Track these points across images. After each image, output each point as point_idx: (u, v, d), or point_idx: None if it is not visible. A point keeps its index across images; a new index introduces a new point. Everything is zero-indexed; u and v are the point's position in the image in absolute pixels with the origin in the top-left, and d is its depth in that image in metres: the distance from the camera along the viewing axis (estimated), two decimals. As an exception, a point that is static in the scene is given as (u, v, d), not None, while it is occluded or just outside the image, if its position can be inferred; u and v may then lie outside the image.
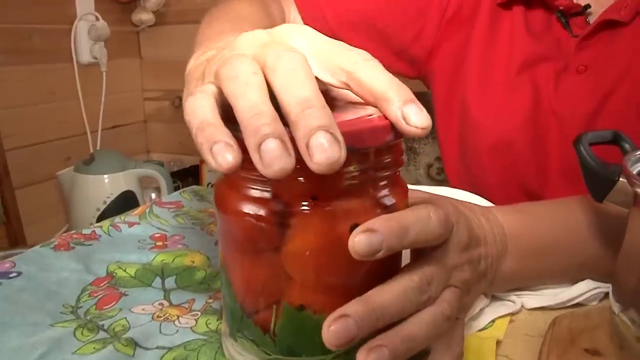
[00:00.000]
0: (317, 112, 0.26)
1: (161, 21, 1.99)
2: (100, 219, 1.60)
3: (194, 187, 0.81)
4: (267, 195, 0.30)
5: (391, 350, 0.29)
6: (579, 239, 0.46)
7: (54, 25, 1.71)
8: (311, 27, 0.39)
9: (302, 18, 0.71)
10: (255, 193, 0.31)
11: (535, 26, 0.67)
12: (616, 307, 0.36)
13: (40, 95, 1.68)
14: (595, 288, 0.46)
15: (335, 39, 0.33)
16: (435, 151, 1.23)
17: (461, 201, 0.43)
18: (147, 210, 0.68)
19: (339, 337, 0.28)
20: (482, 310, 0.44)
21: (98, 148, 1.86)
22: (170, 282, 0.51)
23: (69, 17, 1.75)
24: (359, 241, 0.28)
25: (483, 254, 0.40)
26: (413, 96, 0.29)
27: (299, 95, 0.26)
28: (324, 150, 0.25)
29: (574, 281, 0.47)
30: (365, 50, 0.31)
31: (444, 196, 0.40)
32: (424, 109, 0.29)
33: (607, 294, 0.47)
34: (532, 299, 0.46)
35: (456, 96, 0.71)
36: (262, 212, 0.30)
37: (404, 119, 0.29)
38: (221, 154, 0.26)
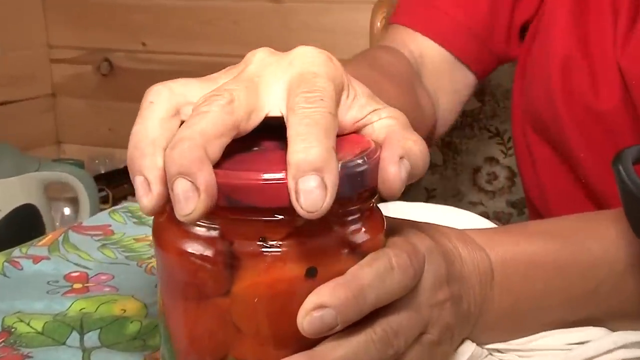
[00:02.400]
0: (181, 155, 0.36)
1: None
2: (-16, 246, 1.67)
3: (130, 203, 0.89)
4: (214, 233, 0.41)
5: None
6: (590, 259, 0.55)
7: None
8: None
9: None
10: (200, 230, 0.41)
11: None
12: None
13: None
14: (622, 347, 0.54)
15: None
16: (484, 148, 1.26)
17: (432, 224, 0.52)
18: (61, 239, 0.77)
19: None
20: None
21: (-20, 138, 1.93)
22: (92, 338, 0.60)
23: None
24: (309, 322, 0.38)
25: (464, 288, 0.50)
26: (328, 165, 0.36)
27: (177, 135, 0.38)
28: (179, 202, 0.36)
29: (584, 323, 0.56)
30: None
31: (411, 222, 0.50)
32: (328, 188, 0.36)
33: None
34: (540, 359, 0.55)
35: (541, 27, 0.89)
36: (208, 252, 0.41)
37: (295, 192, 0.36)
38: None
